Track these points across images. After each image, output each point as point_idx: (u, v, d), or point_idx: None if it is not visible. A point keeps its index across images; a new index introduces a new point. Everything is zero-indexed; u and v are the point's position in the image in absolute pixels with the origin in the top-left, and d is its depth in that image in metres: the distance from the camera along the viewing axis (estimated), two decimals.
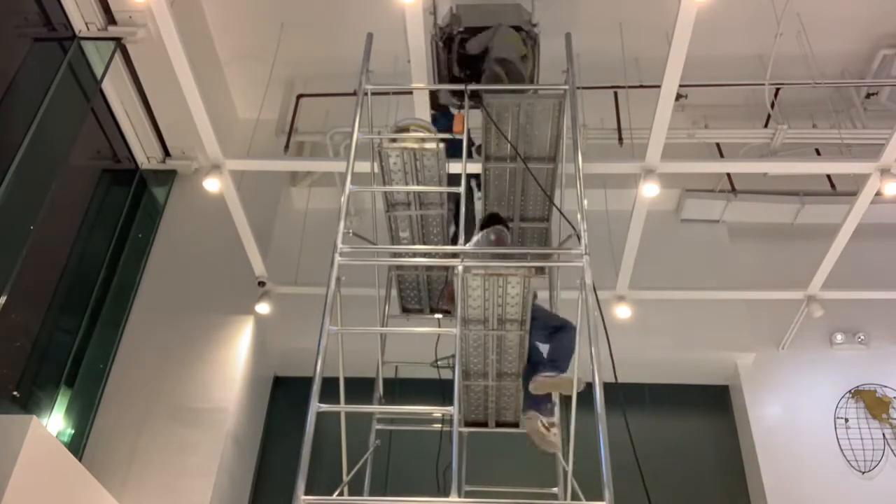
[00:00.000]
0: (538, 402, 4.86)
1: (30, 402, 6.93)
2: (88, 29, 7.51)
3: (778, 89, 8.58)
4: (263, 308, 7.69)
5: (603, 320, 4.30)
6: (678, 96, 6.17)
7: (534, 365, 4.84)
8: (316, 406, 3.81)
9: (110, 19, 7.56)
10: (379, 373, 5.76)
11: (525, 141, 5.48)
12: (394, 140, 4.96)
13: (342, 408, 5.14)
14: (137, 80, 8.15)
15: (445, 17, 6.60)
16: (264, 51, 8.23)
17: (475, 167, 5.73)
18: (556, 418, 5.55)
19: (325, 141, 8.72)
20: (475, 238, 5.23)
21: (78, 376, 7.43)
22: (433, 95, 6.34)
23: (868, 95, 8.98)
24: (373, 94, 5.35)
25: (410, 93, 6.10)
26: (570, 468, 4.83)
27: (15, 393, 6.75)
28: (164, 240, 8.60)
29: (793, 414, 7.72)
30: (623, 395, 4.24)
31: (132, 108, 8.35)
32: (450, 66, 6.44)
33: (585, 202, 4.62)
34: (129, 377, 7.48)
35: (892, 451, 7.48)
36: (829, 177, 8.76)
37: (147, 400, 7.28)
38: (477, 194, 6.14)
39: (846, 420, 7.66)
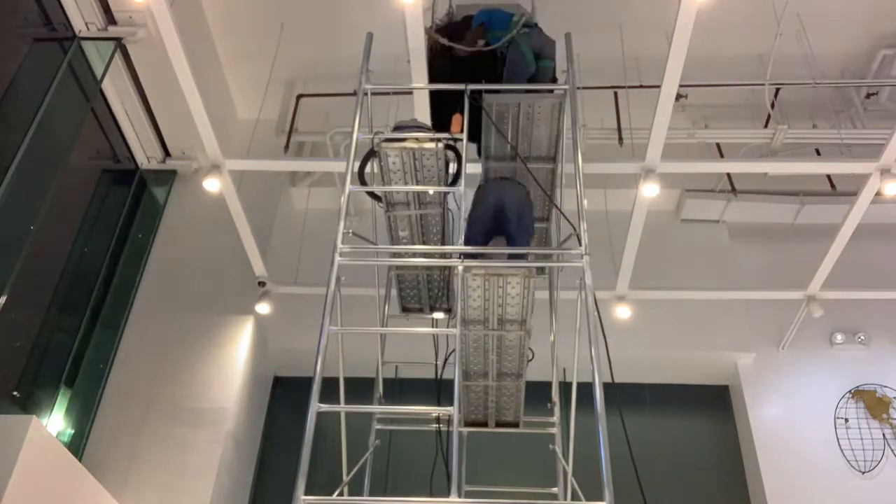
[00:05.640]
0: None
1: (30, 402, 6.93)
2: (88, 29, 7.51)
3: (778, 89, 8.58)
4: (263, 308, 7.69)
5: (601, 321, 4.30)
6: (678, 96, 6.16)
7: None
8: (316, 406, 3.80)
9: (110, 19, 7.55)
10: (379, 373, 5.75)
11: (525, 141, 5.47)
12: (392, 140, 4.95)
13: (342, 408, 5.14)
14: (137, 80, 8.15)
15: (444, 19, 6.59)
16: (264, 51, 8.23)
17: (475, 167, 5.72)
18: (556, 418, 5.58)
19: (325, 141, 8.72)
20: None
21: (78, 376, 7.42)
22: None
23: (868, 95, 8.97)
24: (373, 94, 5.34)
25: (410, 93, 6.08)
26: (570, 468, 4.83)
27: (15, 393, 6.75)
28: (164, 240, 8.59)
29: (793, 414, 7.72)
30: (618, 395, 4.23)
31: (132, 108, 8.35)
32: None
33: (585, 202, 4.62)
34: (129, 377, 7.48)
35: (892, 451, 7.48)
36: (829, 177, 8.76)
37: (147, 400, 7.28)
38: None
39: (846, 420, 7.66)
